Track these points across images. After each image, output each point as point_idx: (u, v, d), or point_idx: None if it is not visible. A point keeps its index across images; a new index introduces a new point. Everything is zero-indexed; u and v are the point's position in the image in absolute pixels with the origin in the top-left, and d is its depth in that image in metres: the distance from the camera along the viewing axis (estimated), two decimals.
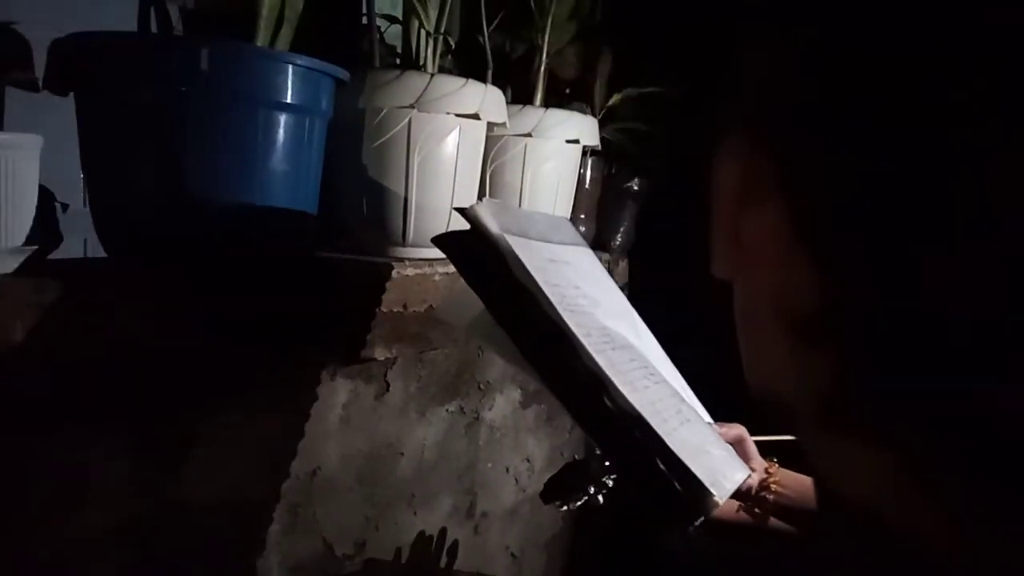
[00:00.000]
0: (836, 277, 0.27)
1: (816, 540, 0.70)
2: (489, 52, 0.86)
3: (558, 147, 0.98)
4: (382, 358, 0.80)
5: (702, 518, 0.53)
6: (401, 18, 0.85)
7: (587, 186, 1.20)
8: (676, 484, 0.53)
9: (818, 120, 0.28)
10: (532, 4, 0.97)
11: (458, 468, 1.03)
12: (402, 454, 0.93)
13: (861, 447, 0.29)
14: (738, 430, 0.74)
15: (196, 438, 0.69)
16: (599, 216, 1.26)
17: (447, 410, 1.00)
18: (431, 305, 0.81)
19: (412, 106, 0.76)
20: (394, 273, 0.75)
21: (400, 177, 0.78)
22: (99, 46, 0.61)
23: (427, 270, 0.79)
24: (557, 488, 0.72)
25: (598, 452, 0.69)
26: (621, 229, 1.29)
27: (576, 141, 0.99)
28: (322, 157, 0.72)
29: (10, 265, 0.54)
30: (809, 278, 0.28)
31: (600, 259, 0.79)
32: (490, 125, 0.86)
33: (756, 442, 0.74)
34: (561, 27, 1.01)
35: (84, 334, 0.57)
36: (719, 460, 0.61)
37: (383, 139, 0.77)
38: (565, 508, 0.72)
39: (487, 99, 0.81)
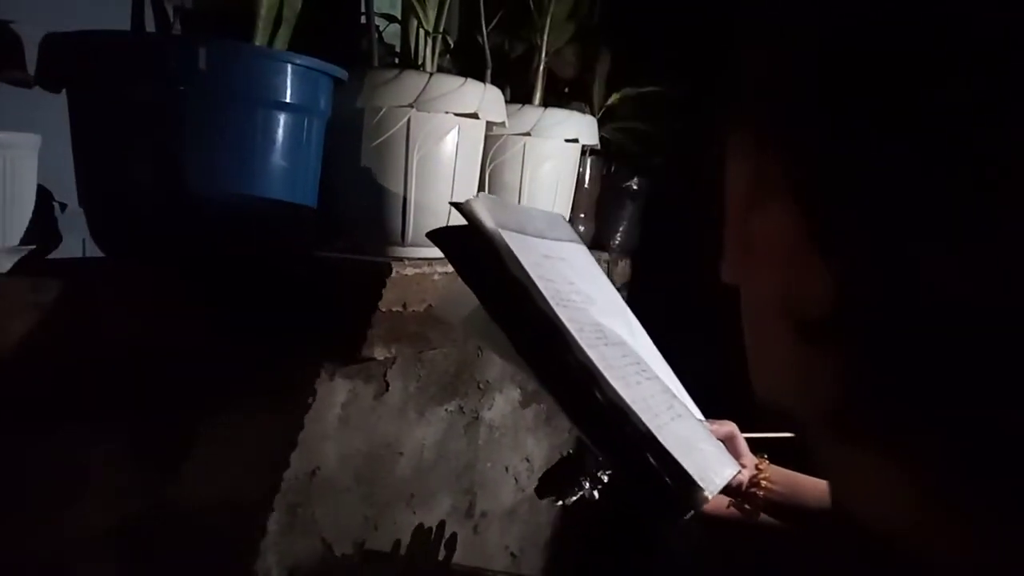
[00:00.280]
0: (842, 279, 0.27)
1: (809, 537, 0.70)
2: (488, 51, 0.86)
3: (557, 146, 0.98)
4: (381, 358, 0.79)
5: (692, 512, 0.54)
6: (400, 17, 0.85)
7: (586, 185, 1.20)
8: (666, 478, 0.53)
9: (816, 120, 0.28)
10: (531, 3, 0.97)
11: (457, 468, 1.03)
12: (401, 454, 0.93)
13: (868, 453, 0.29)
14: (729, 427, 0.74)
15: (195, 438, 0.69)
16: (598, 215, 1.26)
17: (446, 410, 1.00)
18: (430, 305, 0.80)
19: (411, 105, 0.76)
20: (393, 273, 0.75)
21: (399, 176, 0.78)
22: (97, 44, 0.61)
23: (426, 269, 0.79)
24: (552, 483, 0.72)
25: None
26: (620, 228, 1.29)
27: (575, 140, 0.99)
28: (320, 157, 0.72)
29: (5, 265, 0.54)
30: (817, 280, 0.28)
31: (599, 259, 0.79)
32: (489, 124, 0.86)
33: (747, 439, 0.75)
34: (560, 26, 1.01)
35: (83, 334, 0.57)
36: (710, 456, 0.61)
37: (382, 138, 0.77)
38: (560, 503, 0.72)
39: (486, 98, 0.81)
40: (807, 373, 0.30)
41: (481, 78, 0.82)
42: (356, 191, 0.79)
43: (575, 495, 0.71)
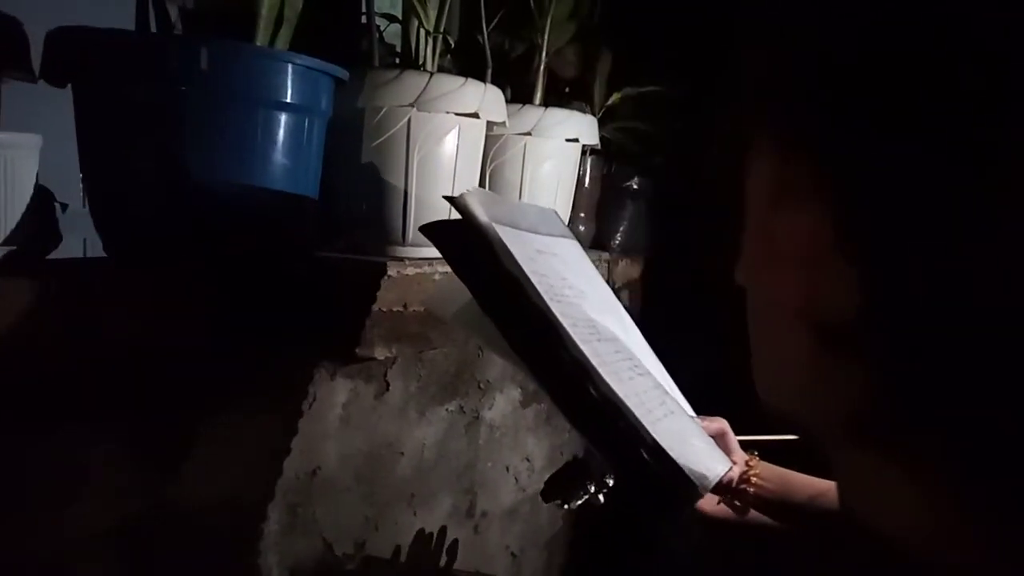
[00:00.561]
0: (867, 283, 0.27)
1: (804, 537, 0.70)
2: (488, 51, 0.86)
3: (557, 146, 0.98)
4: (382, 357, 0.79)
5: (685, 507, 0.54)
6: (400, 17, 0.85)
7: (586, 185, 1.20)
8: (659, 473, 0.53)
9: (816, 120, 0.28)
10: (531, 3, 0.97)
11: (458, 468, 1.03)
12: (402, 454, 0.93)
13: (881, 456, 0.29)
14: (720, 424, 0.74)
15: (195, 438, 0.69)
16: (598, 215, 1.26)
17: (447, 410, 1.00)
18: None
19: (411, 105, 0.76)
20: (394, 272, 0.75)
21: (400, 176, 0.78)
22: (100, 41, 0.61)
23: (427, 269, 0.79)
24: (558, 486, 0.72)
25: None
26: (621, 228, 1.29)
27: (575, 140, 1.00)
28: (321, 156, 0.72)
29: None
30: (842, 284, 0.27)
31: (600, 259, 0.79)
32: (490, 124, 0.86)
33: (739, 440, 0.75)
34: (560, 26, 1.01)
35: (83, 334, 0.57)
36: (701, 452, 0.61)
37: (382, 138, 0.77)
38: (566, 507, 0.72)
39: (486, 98, 0.81)
40: (823, 377, 0.29)
41: (482, 78, 0.82)
42: (357, 191, 0.80)
43: (580, 499, 0.71)
